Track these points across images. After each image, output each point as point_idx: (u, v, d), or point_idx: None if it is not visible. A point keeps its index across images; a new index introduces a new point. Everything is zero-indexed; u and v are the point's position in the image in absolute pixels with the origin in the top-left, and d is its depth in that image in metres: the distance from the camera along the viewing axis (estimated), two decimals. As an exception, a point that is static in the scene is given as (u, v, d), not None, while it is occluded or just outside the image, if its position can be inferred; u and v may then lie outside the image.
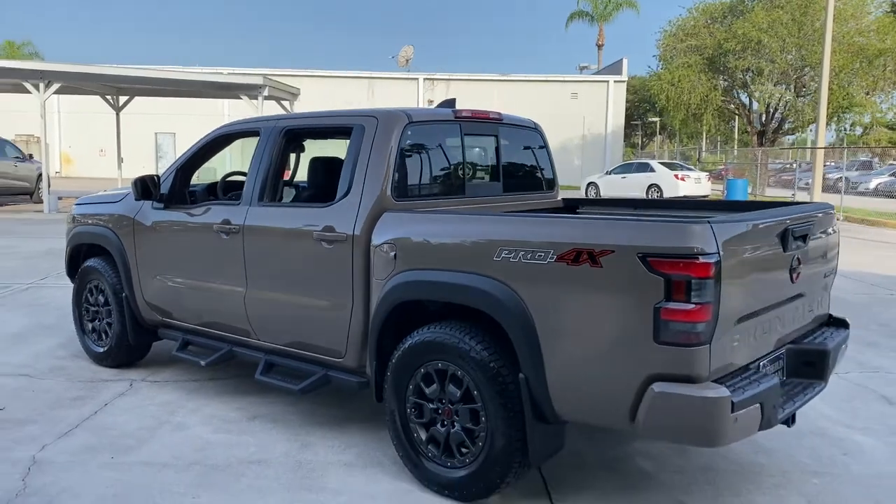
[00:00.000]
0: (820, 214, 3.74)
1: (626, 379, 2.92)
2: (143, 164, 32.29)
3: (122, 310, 5.29)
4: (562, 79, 41.65)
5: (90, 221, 5.58)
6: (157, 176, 4.98)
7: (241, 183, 4.76)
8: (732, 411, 2.81)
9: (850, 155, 34.39)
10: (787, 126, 29.83)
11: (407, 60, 44.04)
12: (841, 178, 24.97)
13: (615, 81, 41.27)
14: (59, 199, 18.59)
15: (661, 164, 27.79)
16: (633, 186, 27.39)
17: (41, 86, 17.06)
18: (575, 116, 40.56)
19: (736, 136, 43.77)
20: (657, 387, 2.85)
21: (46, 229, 14.28)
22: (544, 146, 4.99)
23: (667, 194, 26.05)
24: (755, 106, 29.90)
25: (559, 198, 5.08)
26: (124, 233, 5.22)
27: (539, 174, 4.96)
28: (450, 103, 4.48)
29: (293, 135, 4.46)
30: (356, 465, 3.90)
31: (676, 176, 26.10)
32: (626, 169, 28.46)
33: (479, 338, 3.36)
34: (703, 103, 28.12)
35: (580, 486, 3.72)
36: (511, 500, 3.54)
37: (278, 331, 4.34)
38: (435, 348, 3.48)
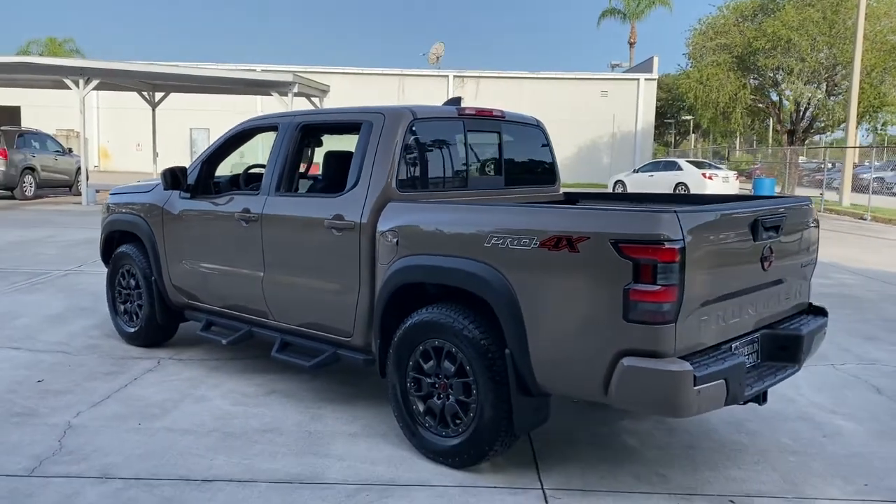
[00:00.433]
0: (796, 207, 3.97)
1: (600, 354, 3.20)
2: (178, 158, 32.89)
3: (152, 292, 5.68)
4: (592, 77, 41.64)
5: (123, 210, 5.98)
6: (185, 168, 5.35)
7: (262, 175, 5.10)
8: (695, 385, 3.07)
9: (888, 155, 34.00)
10: (818, 125, 29.59)
11: (437, 58, 44.35)
12: (874, 178, 24.80)
13: (646, 79, 41.14)
14: (97, 191, 19.23)
15: (689, 162, 27.76)
16: (660, 184, 27.41)
17: (81, 82, 17.69)
18: (605, 114, 40.55)
19: (770, 135, 43.41)
20: (626, 361, 3.12)
21: (84, 220, 14.87)
22: (546, 142, 5.26)
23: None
24: (786, 105, 29.70)
25: (561, 192, 5.35)
26: (154, 221, 5.61)
27: (541, 169, 5.24)
28: (455, 101, 4.77)
29: (308, 130, 4.79)
30: (361, 435, 4.23)
31: (704, 175, 26.09)
32: (653, 167, 28.48)
33: (471, 317, 3.65)
34: (731, 102, 28.02)
35: (566, 457, 4.00)
36: (501, 467, 3.83)
37: (293, 312, 4.67)
38: (432, 327, 3.79)
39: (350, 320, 4.28)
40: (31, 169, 19.62)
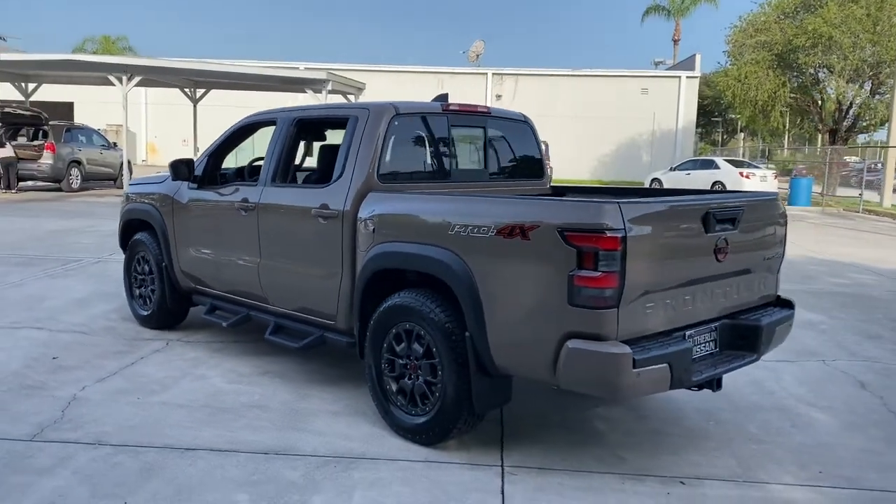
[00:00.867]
0: (756, 202, 4.09)
1: (548, 336, 3.38)
2: (221, 153, 33.73)
3: (163, 278, 6.01)
4: (632, 74, 41.33)
5: (139, 200, 6.33)
6: (192, 160, 5.66)
7: None
8: (634, 367, 3.23)
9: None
10: (861, 124, 28.94)
11: (477, 56, 44.56)
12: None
13: (687, 77, 40.71)
14: (139, 184, 19.88)
15: (727, 161, 27.44)
16: (696, 183, 27.13)
17: (123, 79, 18.34)
18: (645, 112, 40.26)
19: (818, 135, 42.51)
20: (571, 343, 3.30)
21: (123, 212, 15.42)
22: (534, 137, 5.42)
23: (731, 192, 25.80)
24: (828, 103, 29.12)
25: (548, 185, 5.51)
26: (165, 210, 5.94)
27: (528, 163, 5.41)
28: (442, 97, 4.97)
29: (303, 124, 5.05)
30: (342, 414, 4.47)
31: (741, 174, 25.78)
32: (690, 165, 28.22)
33: (437, 302, 3.86)
34: (770, 100, 27.58)
35: (532, 439, 4.18)
36: (467, 445, 4.03)
37: (285, 297, 4.94)
38: (404, 311, 4.01)
39: (334, 304, 4.52)
40: (78, 162, 20.38)
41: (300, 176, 5.52)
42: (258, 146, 6.04)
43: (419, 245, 3.93)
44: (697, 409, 4.75)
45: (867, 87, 27.82)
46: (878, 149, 28.26)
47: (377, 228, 4.18)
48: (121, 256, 6.74)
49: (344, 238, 4.39)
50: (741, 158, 31.85)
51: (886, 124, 25.58)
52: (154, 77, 19.76)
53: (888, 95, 26.24)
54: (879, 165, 28.19)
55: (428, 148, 4.81)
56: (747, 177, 25.75)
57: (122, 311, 6.75)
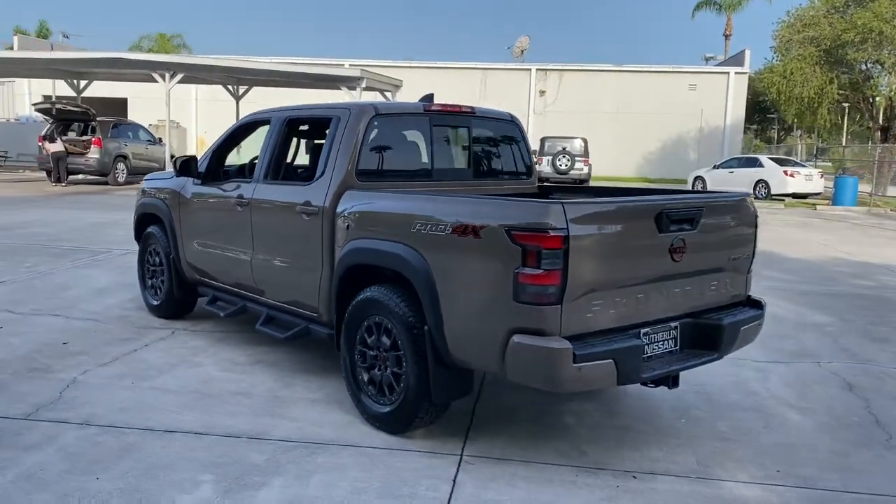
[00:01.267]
0: (720, 202, 4.12)
1: (497, 331, 3.49)
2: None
3: (171, 269, 6.29)
4: (679, 70, 40.67)
5: (151, 194, 6.62)
6: (195, 157, 5.91)
7: None
8: (575, 362, 3.33)
9: None
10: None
11: (522, 51, 44.42)
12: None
13: (736, 73, 39.90)
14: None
15: (771, 159, 26.91)
16: (740, 181, 26.73)
17: (167, 76, 18.94)
18: (692, 108, 39.62)
19: (870, 133, 41.24)
20: (516, 338, 3.41)
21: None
22: (521, 137, 5.51)
23: (774, 191, 25.33)
24: (882, 100, 28.29)
25: (536, 184, 5.60)
26: (172, 204, 6.21)
27: (514, 162, 5.51)
28: (428, 98, 5.11)
29: (293, 124, 5.24)
30: (320, 402, 4.65)
31: (785, 172, 25.31)
32: (734, 163, 27.80)
33: (402, 296, 4.01)
34: (817, 97, 26.92)
35: (499, 430, 4.30)
36: (433, 435, 4.17)
37: (274, 289, 5.14)
38: (374, 305, 4.16)
39: (316, 297, 4.70)
40: (124, 157, 21.11)
41: (296, 174, 5.72)
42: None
43: (386, 242, 4.08)
44: (673, 408, 4.80)
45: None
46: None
47: (350, 225, 4.35)
48: (146, 249, 7.04)
49: (324, 234, 4.56)
50: (786, 156, 31.12)
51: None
52: (195, 74, 20.36)
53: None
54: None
55: (409, 147, 4.95)
56: (792, 175, 25.26)
57: (137, 301, 7.06)
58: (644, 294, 3.74)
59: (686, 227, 3.83)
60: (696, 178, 28.59)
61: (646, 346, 3.78)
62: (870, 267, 11.18)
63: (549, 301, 3.35)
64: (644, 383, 4.02)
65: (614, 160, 39.22)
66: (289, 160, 5.54)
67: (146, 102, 38.53)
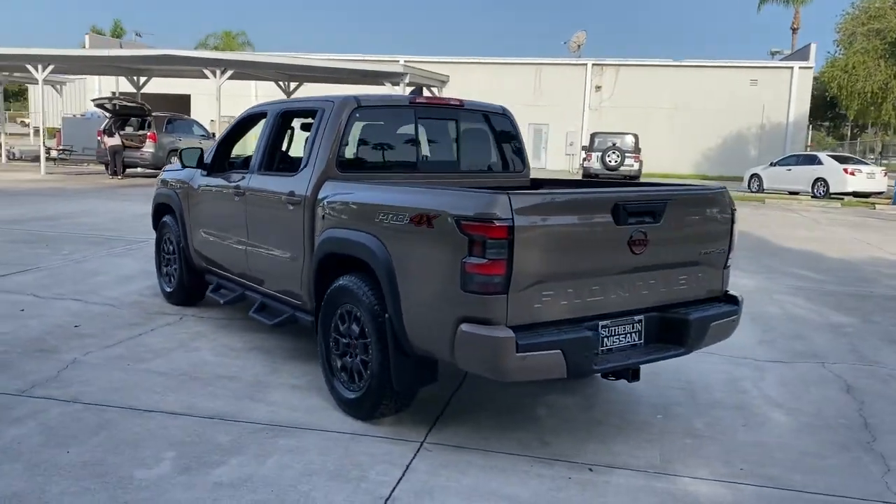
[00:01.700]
0: (691, 196, 4.06)
1: (447, 319, 3.53)
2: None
3: (181, 257, 6.51)
4: (740, 65, 39.61)
5: (166, 185, 6.86)
6: (202, 149, 6.10)
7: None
8: (518, 351, 3.34)
9: None
10: None
11: (578, 46, 43.97)
12: None
13: (800, 68, 38.63)
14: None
15: (832, 156, 26.02)
16: (797, 179, 25.96)
17: (217, 72, 19.46)
18: (753, 104, 38.55)
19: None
20: (464, 327, 3.44)
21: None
22: (514, 130, 5.51)
23: (833, 189, 24.49)
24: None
25: (529, 177, 5.59)
26: (183, 195, 6.43)
27: (506, 155, 5.51)
28: (417, 91, 5.17)
29: (286, 116, 5.37)
30: (301, 388, 4.77)
31: (846, 170, 24.43)
32: (792, 161, 26.97)
33: (369, 285, 4.08)
34: (881, 92, 25.86)
35: (467, 420, 4.33)
36: (400, 422, 4.23)
37: (265, 277, 5.29)
38: (345, 293, 4.25)
39: (299, 285, 4.81)
40: (177, 151, 21.75)
41: (286, 165, 5.84)
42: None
43: (354, 231, 4.16)
44: (653, 404, 4.75)
45: None
46: None
47: (326, 215, 4.44)
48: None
49: (305, 224, 4.67)
50: (848, 154, 29.96)
51: None
52: (244, 70, 20.86)
53: None
54: None
55: (393, 140, 5.01)
56: (852, 173, 24.38)
57: (155, 288, 7.31)
58: (601, 286, 3.72)
59: (647, 219, 3.79)
60: (752, 175, 27.86)
61: (605, 339, 3.77)
62: (915, 268, 10.75)
63: (495, 291, 3.37)
64: (605, 376, 4.01)
65: (671, 157, 38.51)
66: (281, 152, 5.67)
67: (209, 99, 39.48)
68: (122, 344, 5.56)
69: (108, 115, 22.07)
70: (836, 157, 25.77)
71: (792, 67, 39.09)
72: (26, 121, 48.81)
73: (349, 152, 4.72)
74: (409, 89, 20.19)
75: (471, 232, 3.39)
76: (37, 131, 39.36)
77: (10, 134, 49.36)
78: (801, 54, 40.53)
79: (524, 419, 4.42)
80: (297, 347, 5.56)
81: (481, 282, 3.38)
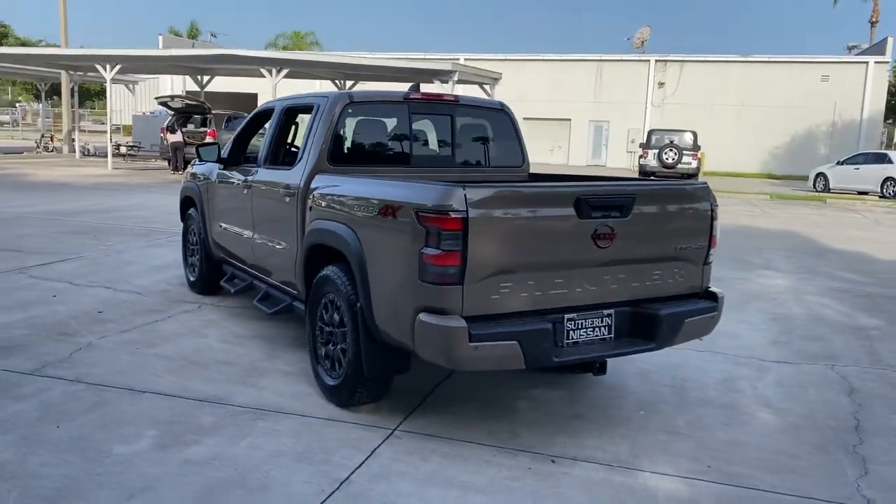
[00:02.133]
0: (665, 190, 4.03)
1: (408, 309, 3.62)
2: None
3: (202, 247, 6.78)
4: (811, 60, 38.24)
5: (192, 179, 7.15)
6: (218, 144, 6.34)
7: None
8: (471, 341, 3.41)
9: None
10: None
11: (642, 42, 43.29)
12: None
13: (876, 62, 37.07)
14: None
15: (903, 154, 24.91)
16: (865, 178, 25.03)
17: (273, 71, 19.97)
18: (825, 101, 37.23)
19: None
20: (421, 316, 3.53)
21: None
22: (512, 126, 5.54)
23: (904, 188, 23.49)
24: None
25: (528, 172, 5.62)
26: (203, 188, 6.69)
27: (504, 150, 5.55)
28: (415, 88, 5.26)
29: (289, 112, 5.54)
30: (292, 374, 4.93)
31: (918, 169, 23.38)
32: (861, 159, 25.98)
33: (347, 275, 4.21)
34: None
35: (445, 410, 4.41)
36: (377, 410, 4.34)
37: (268, 267, 5.48)
38: (327, 283, 4.38)
39: (293, 275, 4.98)
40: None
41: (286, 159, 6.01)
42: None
43: (333, 223, 4.29)
44: (640, 400, 4.74)
45: None
46: None
47: (313, 206, 4.59)
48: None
49: (298, 215, 4.83)
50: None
51: None
52: (298, 69, 21.33)
53: None
54: None
55: (384, 134, 5.12)
56: (924, 171, 23.32)
57: (183, 278, 7.62)
58: (566, 279, 3.74)
59: (613, 214, 3.79)
60: (818, 174, 26.94)
61: (571, 332, 3.80)
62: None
63: (450, 281, 3.45)
64: (572, 369, 4.03)
65: (736, 155, 37.54)
66: (285, 147, 5.85)
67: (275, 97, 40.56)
68: (138, 329, 5.83)
69: (171, 112, 22.90)
70: (907, 156, 24.68)
71: (867, 62, 37.56)
72: (104, 119, 50.94)
73: (341, 146, 4.85)
74: (458, 87, 20.31)
75: (427, 223, 3.47)
76: (121, 128, 41.24)
77: (90, 131, 51.80)
78: (878, 49, 38.88)
79: (504, 411, 4.47)
80: (299, 336, 5.73)
81: (437, 272, 3.46)
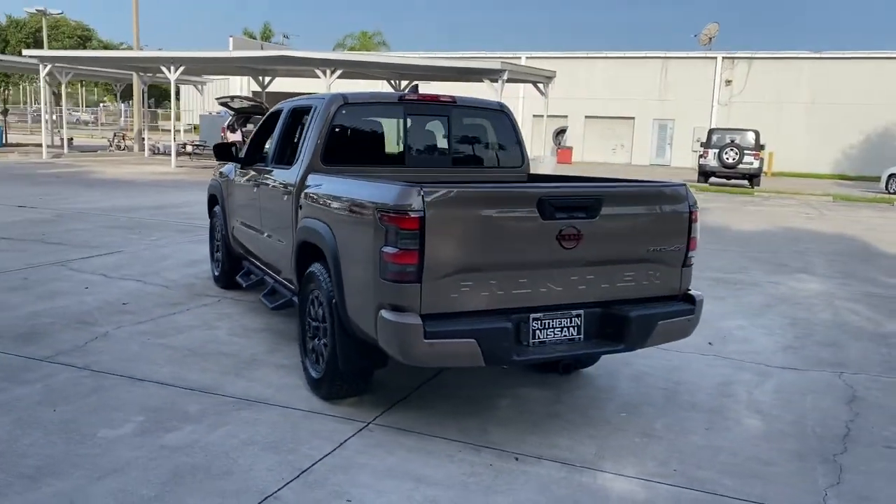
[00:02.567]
0: (637, 192, 4.01)
1: (371, 305, 3.72)
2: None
3: (224, 243, 7.03)
4: (888, 55, 36.65)
5: (217, 177, 7.42)
6: (234, 144, 6.57)
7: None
8: (426, 338, 3.48)
9: None
10: None
11: (710, 39, 42.19)
12: None
13: (960, 57, 35.31)
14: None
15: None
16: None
17: (328, 72, 20.37)
18: (900, 97, 35.67)
19: None
20: (382, 312, 3.62)
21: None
22: (511, 126, 5.57)
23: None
24: None
25: (527, 173, 5.64)
26: (224, 185, 6.95)
27: (502, 151, 5.59)
28: (413, 89, 5.36)
29: (295, 113, 5.70)
30: (286, 367, 5.09)
31: None
32: (936, 160, 24.77)
33: (328, 272, 4.33)
34: None
35: (424, 406, 4.49)
36: (359, 404, 4.45)
37: (273, 264, 5.66)
38: (312, 279, 4.52)
39: (290, 271, 5.14)
40: (292, 146, 22.98)
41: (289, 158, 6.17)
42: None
43: (316, 221, 4.43)
44: (625, 402, 4.72)
45: None
46: None
47: (303, 204, 4.73)
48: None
49: (293, 213, 4.98)
50: None
51: None
52: (351, 70, 21.70)
53: None
54: None
55: (378, 135, 5.23)
56: None
57: (210, 273, 7.92)
58: (530, 279, 3.77)
59: (578, 214, 3.79)
60: (890, 175, 25.83)
61: (536, 331, 3.83)
62: None
63: (408, 279, 3.53)
64: (538, 367, 4.05)
65: (807, 155, 36.31)
66: (289, 146, 6.03)
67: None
68: (154, 321, 6.10)
69: (232, 112, 23.61)
70: None
71: (950, 57, 35.79)
72: (177, 118, 52.74)
73: (334, 146, 4.98)
74: (507, 86, 20.30)
75: (386, 222, 3.56)
76: (194, 127, 42.51)
77: (164, 130, 53.70)
78: (962, 43, 36.94)
79: (482, 409, 4.52)
80: (303, 331, 5.90)
81: (395, 270, 3.54)
